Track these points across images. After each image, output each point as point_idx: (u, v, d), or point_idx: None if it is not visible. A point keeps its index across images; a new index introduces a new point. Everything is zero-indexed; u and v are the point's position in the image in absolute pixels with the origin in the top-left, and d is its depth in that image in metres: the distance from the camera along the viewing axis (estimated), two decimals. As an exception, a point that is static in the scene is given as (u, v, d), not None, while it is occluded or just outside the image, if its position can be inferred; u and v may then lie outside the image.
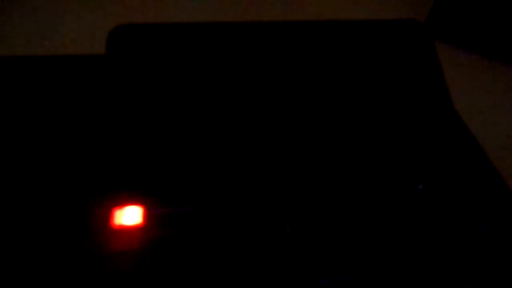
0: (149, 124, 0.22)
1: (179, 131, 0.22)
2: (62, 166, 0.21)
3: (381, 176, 0.21)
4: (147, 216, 0.19)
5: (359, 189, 0.20)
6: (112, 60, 0.23)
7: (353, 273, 0.17)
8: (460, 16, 0.35)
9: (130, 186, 0.19)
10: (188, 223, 0.19)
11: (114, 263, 0.17)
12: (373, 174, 0.21)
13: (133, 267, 0.17)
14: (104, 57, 0.23)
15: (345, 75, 0.24)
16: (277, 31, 0.25)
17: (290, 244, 0.18)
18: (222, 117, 0.22)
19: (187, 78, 0.23)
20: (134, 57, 0.23)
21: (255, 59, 0.24)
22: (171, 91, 0.22)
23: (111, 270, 0.17)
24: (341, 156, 0.22)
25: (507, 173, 0.24)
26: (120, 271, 0.17)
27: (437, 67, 0.25)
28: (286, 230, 0.19)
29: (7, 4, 0.35)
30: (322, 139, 0.22)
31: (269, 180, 0.20)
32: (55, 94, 0.25)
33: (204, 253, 0.18)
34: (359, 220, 0.19)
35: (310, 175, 0.21)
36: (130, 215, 0.19)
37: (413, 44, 0.26)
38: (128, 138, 0.21)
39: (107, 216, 0.19)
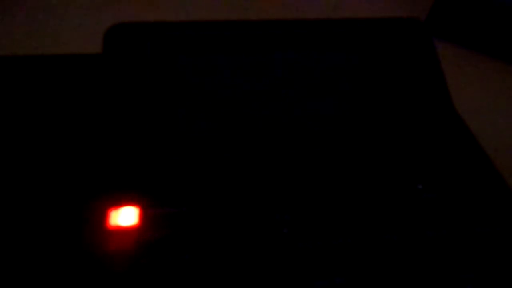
0: (145, 124, 0.21)
1: (175, 131, 0.21)
2: (58, 166, 0.21)
3: (380, 176, 0.21)
4: (143, 216, 0.18)
5: (358, 189, 0.20)
6: (108, 59, 0.23)
7: (351, 274, 0.17)
8: (460, 14, 0.35)
9: (125, 187, 0.19)
10: (184, 224, 0.18)
11: (110, 264, 0.17)
12: (372, 174, 0.21)
13: (129, 268, 0.17)
14: (100, 56, 0.23)
15: (345, 73, 0.24)
16: (277, 29, 0.25)
17: (288, 245, 0.18)
18: (220, 117, 0.22)
19: (184, 76, 0.23)
20: (131, 55, 0.23)
21: (253, 57, 0.24)
22: (168, 91, 0.22)
23: (107, 271, 0.17)
24: (339, 156, 0.21)
25: (507, 173, 0.24)
26: (116, 272, 0.17)
27: (437, 65, 0.25)
28: (283, 231, 0.18)
29: (7, 3, 0.35)
30: (320, 139, 0.22)
31: (266, 181, 0.20)
32: (54, 94, 0.25)
33: (201, 253, 0.18)
34: (357, 220, 0.19)
35: (308, 175, 0.21)
36: (125, 216, 0.18)
37: (413, 43, 0.25)
38: (124, 138, 0.21)
39: (103, 216, 0.18)
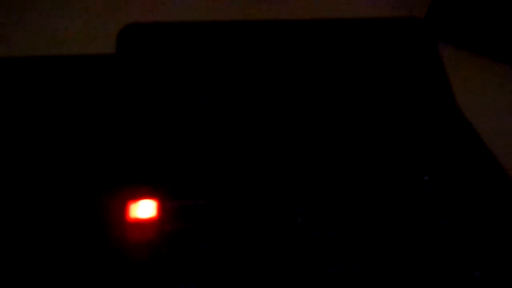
0: (162, 118, 0.22)
1: (191, 126, 0.22)
2: (78, 161, 0.22)
3: (389, 169, 0.22)
4: (161, 209, 0.19)
5: (368, 181, 0.21)
6: (122, 59, 0.23)
7: (364, 261, 0.18)
8: (458, 15, 0.35)
9: (144, 180, 0.20)
10: (201, 216, 0.19)
11: (130, 254, 0.18)
12: (382, 167, 0.22)
13: (149, 257, 0.18)
14: (114, 56, 0.23)
15: (348, 72, 0.25)
16: (291, 29, 0.25)
17: (302, 234, 0.19)
18: (233, 112, 0.23)
19: (197, 75, 0.23)
20: (144, 56, 0.23)
21: (262, 57, 0.24)
22: (182, 88, 0.23)
23: (128, 261, 0.17)
24: (351, 149, 0.22)
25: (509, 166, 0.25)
26: (135, 264, 0.18)
27: (439, 63, 0.26)
28: (297, 221, 0.19)
29: (7, 3, 0.35)
30: (332, 134, 0.23)
31: (280, 174, 0.21)
32: (71, 92, 0.26)
33: (218, 244, 0.18)
34: (368, 210, 0.20)
35: (321, 168, 0.21)
36: (144, 209, 0.19)
37: (414, 42, 0.26)
38: (142, 133, 0.21)
39: (122, 209, 0.19)
